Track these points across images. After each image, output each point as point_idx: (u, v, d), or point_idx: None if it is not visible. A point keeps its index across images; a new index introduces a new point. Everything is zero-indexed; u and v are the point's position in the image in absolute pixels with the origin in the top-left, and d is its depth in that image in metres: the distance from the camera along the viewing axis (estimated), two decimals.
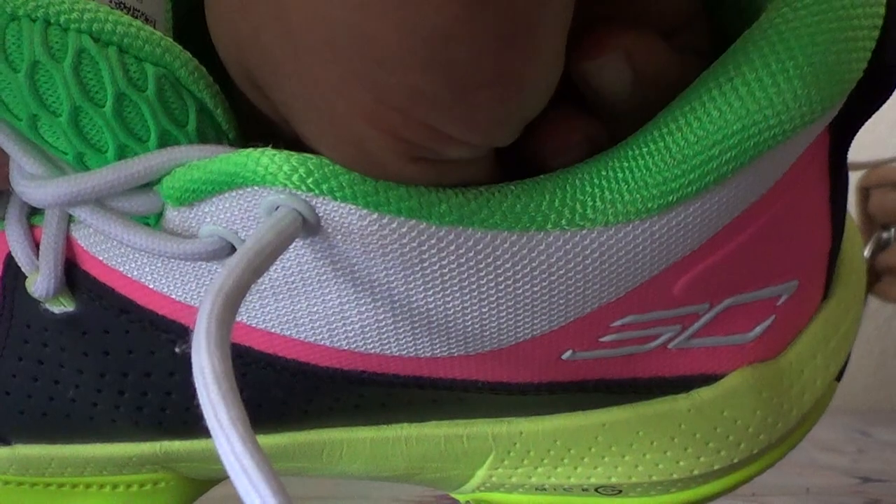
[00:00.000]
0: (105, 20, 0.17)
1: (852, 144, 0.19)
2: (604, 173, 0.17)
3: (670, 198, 0.16)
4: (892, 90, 0.18)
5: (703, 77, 0.17)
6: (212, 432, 0.14)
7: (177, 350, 0.20)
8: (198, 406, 0.14)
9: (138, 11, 0.19)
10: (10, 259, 0.21)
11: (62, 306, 0.20)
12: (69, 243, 0.20)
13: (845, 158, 0.20)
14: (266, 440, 0.22)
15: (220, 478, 0.24)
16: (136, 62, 0.17)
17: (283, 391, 0.21)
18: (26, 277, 0.20)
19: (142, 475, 0.23)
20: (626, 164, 0.16)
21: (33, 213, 0.21)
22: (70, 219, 0.20)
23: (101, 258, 0.19)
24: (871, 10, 0.16)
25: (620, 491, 0.22)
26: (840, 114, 0.17)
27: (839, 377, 0.23)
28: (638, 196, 0.16)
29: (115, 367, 0.21)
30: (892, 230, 0.34)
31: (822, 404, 0.23)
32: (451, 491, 0.24)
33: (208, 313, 0.14)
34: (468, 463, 0.22)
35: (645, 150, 0.16)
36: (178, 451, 0.22)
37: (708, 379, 0.21)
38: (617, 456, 0.22)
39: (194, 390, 0.21)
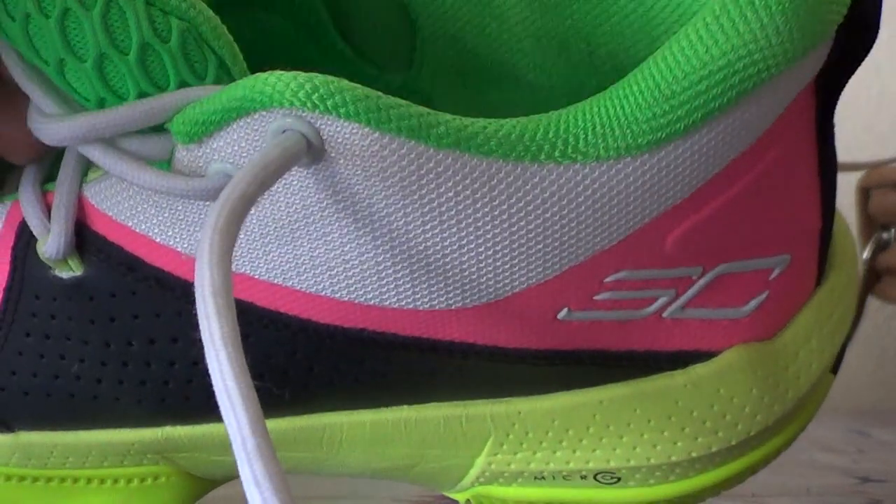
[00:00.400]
0: None
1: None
2: (596, 110, 0.17)
3: (659, 134, 0.17)
4: (872, 42, 0.18)
5: (694, 18, 0.17)
6: (205, 346, 0.15)
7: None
8: (204, 372, 0.15)
9: None
10: (21, 228, 0.21)
11: (71, 271, 0.21)
12: (80, 204, 0.20)
13: (832, 127, 0.20)
14: (268, 425, 0.22)
15: (221, 478, 0.24)
16: (162, 15, 0.18)
17: (286, 354, 0.21)
18: (37, 242, 0.21)
19: (142, 468, 0.23)
20: (616, 102, 0.17)
21: (46, 181, 0.21)
22: (82, 179, 0.20)
23: (110, 214, 0.20)
24: None
25: (619, 479, 0.22)
26: (823, 69, 0.18)
27: (835, 370, 0.23)
28: (628, 131, 0.17)
29: (121, 336, 0.21)
30: (893, 230, 0.35)
31: (819, 394, 0.23)
32: (449, 489, 0.24)
33: (213, 225, 0.15)
34: (467, 448, 0.22)
35: (636, 87, 0.17)
36: (180, 436, 0.22)
37: (703, 355, 0.22)
38: (615, 436, 0.22)
39: (196, 357, 0.21)
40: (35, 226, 0.21)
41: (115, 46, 0.18)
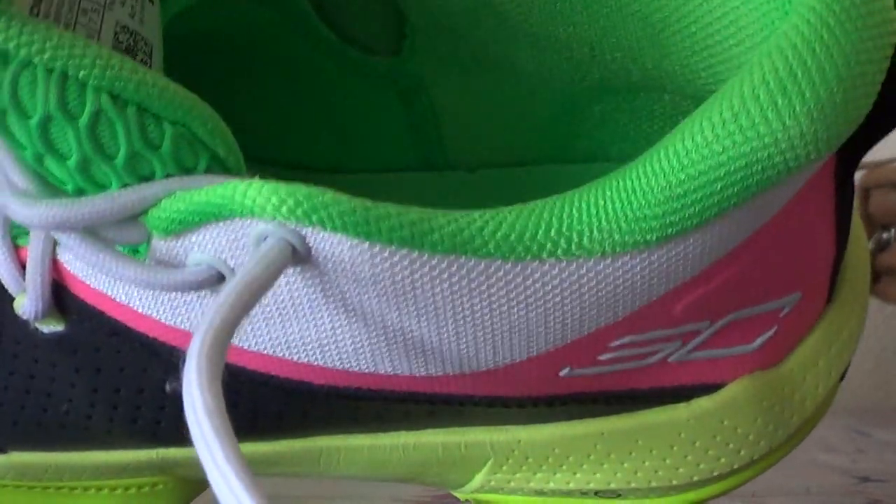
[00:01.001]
0: (128, 79, 0.16)
1: None
2: (601, 202, 0.16)
3: (669, 230, 0.16)
4: None
5: (706, 107, 0.16)
6: (206, 470, 0.14)
7: (167, 389, 0.19)
8: None
9: (139, 35, 0.18)
10: None
11: (51, 326, 0.20)
12: (56, 266, 0.19)
13: (852, 177, 0.19)
14: (263, 447, 0.22)
15: None
16: (154, 122, 0.16)
17: (279, 405, 0.20)
18: (13, 298, 0.20)
19: (140, 479, 0.23)
20: (623, 196, 0.16)
21: (17, 232, 0.20)
22: (55, 242, 0.19)
23: (88, 282, 0.19)
24: (881, 42, 0.16)
25: (620, 494, 0.22)
26: (847, 142, 0.17)
27: (841, 378, 0.23)
28: (636, 227, 0.16)
29: (108, 384, 0.21)
30: (893, 230, 0.34)
31: (825, 407, 0.23)
32: (452, 490, 0.24)
33: (198, 351, 0.14)
34: (466, 468, 0.22)
35: (644, 181, 0.16)
36: (175, 457, 0.22)
37: (708, 388, 0.21)
38: (616, 463, 0.22)
39: None
40: (9, 285, 0.20)
41: (101, 154, 0.16)
